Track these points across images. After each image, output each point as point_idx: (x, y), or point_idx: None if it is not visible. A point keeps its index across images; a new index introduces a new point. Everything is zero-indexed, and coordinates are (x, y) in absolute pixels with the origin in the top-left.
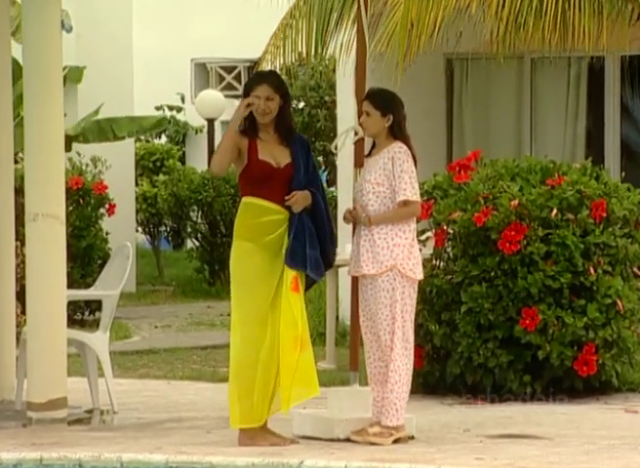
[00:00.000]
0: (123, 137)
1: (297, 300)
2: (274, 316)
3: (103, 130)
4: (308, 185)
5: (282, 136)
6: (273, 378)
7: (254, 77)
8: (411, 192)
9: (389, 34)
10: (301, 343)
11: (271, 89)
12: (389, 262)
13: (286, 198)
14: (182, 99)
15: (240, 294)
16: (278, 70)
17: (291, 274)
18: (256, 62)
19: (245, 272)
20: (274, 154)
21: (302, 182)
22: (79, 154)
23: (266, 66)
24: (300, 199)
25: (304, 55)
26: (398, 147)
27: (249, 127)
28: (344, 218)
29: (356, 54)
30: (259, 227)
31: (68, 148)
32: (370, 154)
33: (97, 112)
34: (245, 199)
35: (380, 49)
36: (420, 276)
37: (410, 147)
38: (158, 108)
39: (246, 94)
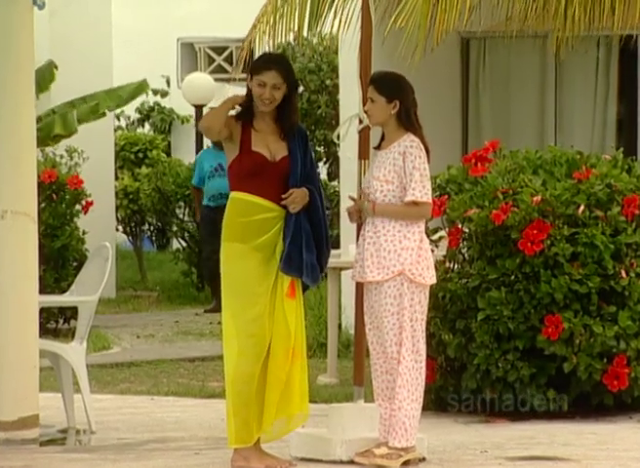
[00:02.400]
0: (103, 114)
1: (292, 307)
2: (270, 325)
3: (77, 112)
4: (305, 182)
5: (282, 128)
6: (264, 394)
7: (262, 60)
8: (420, 192)
9: (410, 9)
10: (293, 355)
11: (280, 77)
12: (396, 268)
13: (283, 196)
14: (168, 82)
15: (234, 302)
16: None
17: (287, 278)
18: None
19: (238, 277)
20: (269, 145)
21: (299, 179)
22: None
23: (256, 48)
24: (299, 198)
25: (296, 31)
26: (410, 141)
27: (245, 113)
28: (349, 214)
29: (360, 31)
30: (250, 226)
31: (53, 143)
32: (379, 147)
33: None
34: (234, 194)
35: (399, 24)
36: (432, 280)
37: (422, 139)
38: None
39: (251, 75)
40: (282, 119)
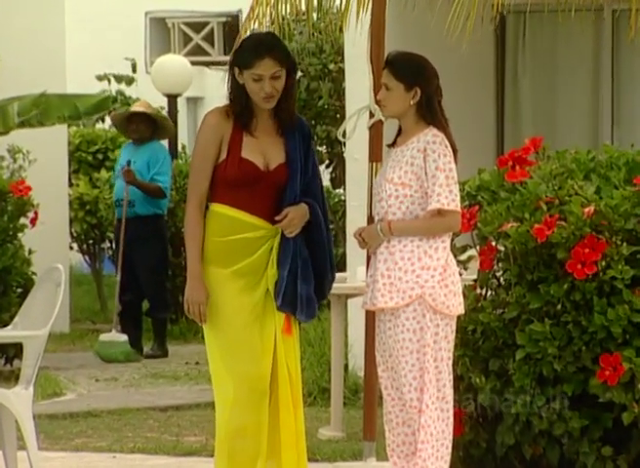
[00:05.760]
0: (52, 123)
1: (290, 346)
2: (268, 366)
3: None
4: (305, 193)
5: (280, 123)
6: (264, 447)
7: (250, 47)
8: (447, 199)
9: None
10: (296, 403)
11: (277, 63)
12: (414, 291)
13: (277, 218)
14: (134, 68)
15: (219, 338)
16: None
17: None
18: (232, 17)
19: (219, 308)
20: (264, 150)
21: (298, 192)
22: None
23: (252, 25)
24: (297, 219)
25: (302, 5)
26: (432, 135)
27: (244, 110)
28: (358, 241)
29: (372, 3)
30: (230, 247)
31: None
32: (394, 143)
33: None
34: (215, 207)
35: None
36: (458, 310)
37: (447, 135)
38: (101, 79)
39: (240, 69)
40: (280, 111)
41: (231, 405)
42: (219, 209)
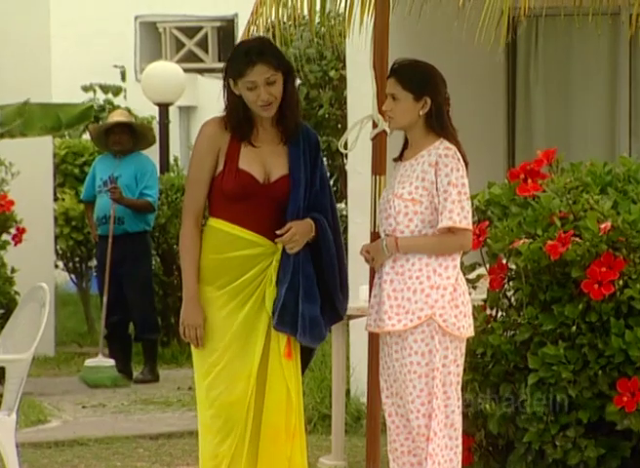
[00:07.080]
0: (34, 135)
1: (291, 371)
2: (258, 391)
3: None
4: (312, 207)
5: (283, 132)
6: None
7: (240, 54)
8: (459, 216)
9: None
10: (294, 432)
11: (271, 68)
12: (424, 312)
13: (278, 232)
14: (123, 76)
15: (205, 362)
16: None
17: (283, 334)
18: (227, 22)
19: (210, 331)
20: (265, 161)
21: (302, 206)
22: None
23: (254, 30)
24: (299, 235)
25: (305, 10)
26: (444, 148)
27: (242, 122)
28: (365, 258)
29: (375, 7)
30: (225, 265)
31: None
32: (401, 157)
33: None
34: (212, 222)
35: None
36: (468, 332)
37: (458, 147)
38: (87, 89)
39: (233, 79)
40: (282, 118)
41: (216, 434)
42: (215, 224)
